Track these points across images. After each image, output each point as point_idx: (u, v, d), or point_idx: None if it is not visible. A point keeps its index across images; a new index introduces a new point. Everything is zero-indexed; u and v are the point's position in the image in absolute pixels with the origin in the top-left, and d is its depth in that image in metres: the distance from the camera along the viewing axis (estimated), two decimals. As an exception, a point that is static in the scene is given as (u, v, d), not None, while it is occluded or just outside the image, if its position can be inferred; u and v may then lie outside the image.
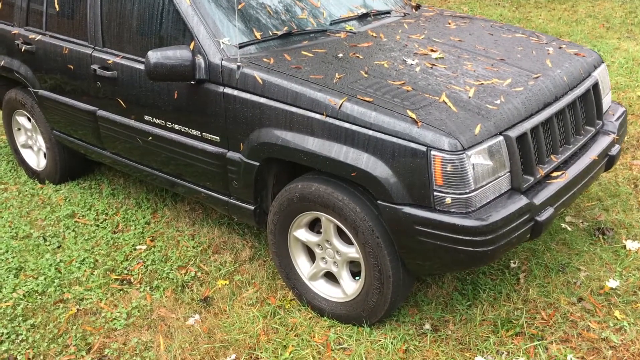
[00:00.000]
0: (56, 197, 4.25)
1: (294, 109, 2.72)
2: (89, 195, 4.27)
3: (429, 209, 2.45)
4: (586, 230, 3.53)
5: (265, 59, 2.93)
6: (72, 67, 3.70)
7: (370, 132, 2.51)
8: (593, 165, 2.92)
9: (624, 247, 3.34)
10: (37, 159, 4.57)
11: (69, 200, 4.21)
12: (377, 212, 2.62)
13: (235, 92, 2.91)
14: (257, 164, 2.92)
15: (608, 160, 3.09)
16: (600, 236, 3.45)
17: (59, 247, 3.67)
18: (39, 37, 3.91)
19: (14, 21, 4.13)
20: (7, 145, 5.19)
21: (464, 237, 2.40)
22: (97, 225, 3.88)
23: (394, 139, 2.46)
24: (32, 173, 4.58)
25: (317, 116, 2.65)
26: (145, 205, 4.09)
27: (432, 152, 2.38)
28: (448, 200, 2.41)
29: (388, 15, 3.61)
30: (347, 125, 2.57)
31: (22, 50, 4.00)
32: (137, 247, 3.62)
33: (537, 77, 2.84)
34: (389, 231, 2.59)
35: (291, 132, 2.74)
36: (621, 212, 3.67)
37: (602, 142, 3.05)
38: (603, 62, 3.28)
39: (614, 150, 3.11)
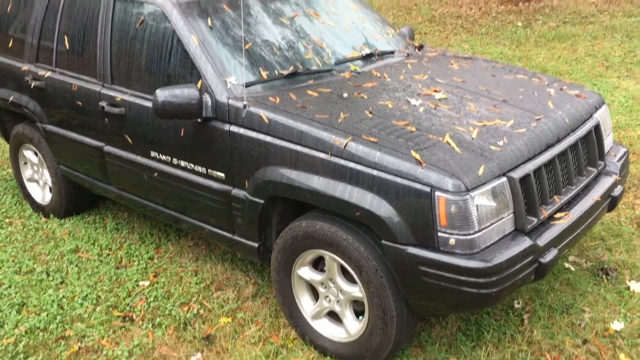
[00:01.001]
0: (60, 232, 4.26)
1: (299, 148, 2.75)
2: (93, 229, 4.28)
3: (433, 249, 2.46)
4: (589, 270, 3.53)
5: (271, 98, 2.97)
6: (80, 104, 3.75)
7: (375, 172, 2.53)
8: (596, 206, 2.93)
9: (628, 288, 3.33)
10: (42, 193, 4.59)
11: (73, 234, 4.22)
12: (381, 252, 2.62)
13: (242, 130, 2.95)
14: (262, 201, 2.94)
15: (611, 201, 3.10)
16: (604, 276, 3.44)
17: (62, 282, 3.67)
18: (48, 73, 3.97)
19: (24, 57, 4.19)
20: (12, 179, 5.22)
21: (468, 279, 2.40)
22: (101, 261, 3.88)
23: (399, 179, 2.48)
24: (37, 207, 4.60)
25: (322, 155, 2.68)
26: (148, 240, 4.09)
27: (436, 193, 2.40)
28: (452, 241, 2.42)
29: (392, 55, 3.67)
30: (352, 164, 2.59)
31: (32, 86, 4.06)
32: (140, 283, 3.61)
33: (540, 119, 2.87)
34: (392, 271, 2.59)
35: (296, 171, 2.77)
36: (624, 252, 3.67)
37: (605, 183, 3.07)
38: (604, 104, 3.32)
39: (617, 191, 3.12)
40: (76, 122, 3.88)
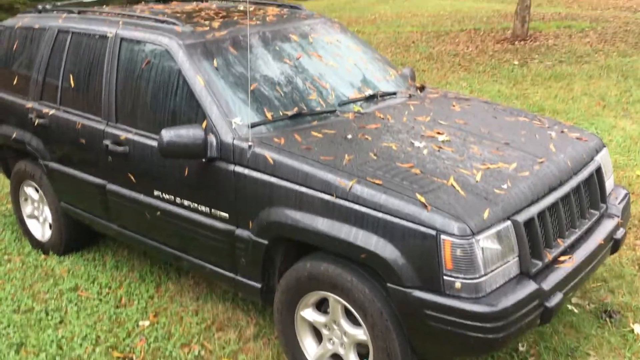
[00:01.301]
0: (60, 269, 4.23)
1: (304, 189, 2.76)
2: (93, 267, 4.26)
3: (438, 293, 2.45)
4: (593, 312, 3.51)
5: (276, 139, 2.99)
6: (84, 142, 3.77)
7: (380, 215, 2.54)
8: (599, 249, 2.94)
9: (632, 331, 3.31)
10: (42, 230, 4.57)
11: (73, 272, 4.19)
12: (386, 294, 2.61)
13: (246, 171, 2.96)
14: (266, 242, 2.94)
15: (614, 244, 3.11)
16: (607, 319, 3.42)
17: (61, 321, 3.63)
18: (52, 111, 4.00)
19: (29, 95, 4.23)
20: (11, 215, 5.20)
21: (474, 323, 2.39)
22: (100, 299, 3.84)
23: (404, 222, 2.48)
24: (36, 244, 4.58)
25: (327, 197, 2.69)
26: (149, 278, 4.07)
27: (442, 236, 2.40)
28: (458, 284, 2.41)
29: (394, 96, 3.72)
30: (357, 206, 2.60)
31: (36, 123, 4.08)
32: (140, 323, 3.58)
33: (542, 162, 2.90)
34: (398, 314, 2.58)
35: (301, 212, 2.77)
36: (627, 294, 3.65)
37: (607, 226, 3.08)
38: (605, 147, 3.35)
39: (619, 233, 3.13)
40: (79, 160, 3.89)
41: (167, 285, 4.00)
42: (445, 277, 2.43)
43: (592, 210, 3.09)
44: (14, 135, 4.33)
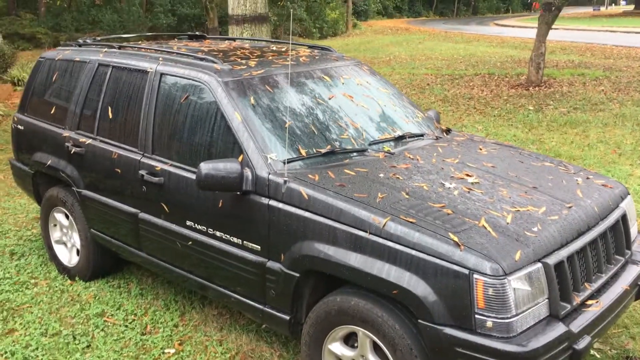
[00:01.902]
0: (86, 295, 4.31)
1: (337, 225, 2.84)
2: (118, 294, 4.33)
3: (470, 331, 2.50)
4: (614, 358, 3.53)
5: (310, 175, 3.09)
6: (119, 171, 3.88)
7: (414, 252, 2.61)
8: (625, 294, 2.99)
9: (655, 377, 3.33)
10: (69, 255, 4.66)
11: (99, 298, 4.26)
12: (416, 331, 2.67)
13: (280, 205, 3.05)
14: (298, 275, 3.01)
15: (638, 290, 3.16)
16: (630, 365, 3.45)
17: (88, 346, 3.69)
18: (89, 141, 4.13)
19: (66, 124, 4.37)
20: (37, 240, 5.31)
21: (505, 362, 2.43)
22: (126, 326, 3.90)
23: (437, 260, 2.56)
24: (63, 269, 4.66)
25: (361, 233, 2.77)
26: (173, 307, 4.13)
27: (475, 276, 2.47)
28: (489, 323, 2.47)
29: (422, 138, 3.82)
30: (390, 243, 2.68)
31: (72, 152, 4.21)
32: (166, 351, 3.63)
33: (571, 207, 2.98)
34: (427, 351, 2.63)
35: (334, 247, 2.85)
36: (648, 341, 3.68)
37: (632, 272, 3.13)
38: (629, 194, 3.43)
39: (644, 279, 3.18)
40: (113, 188, 4.00)
41: (191, 314, 4.05)
42: (477, 316, 2.48)
43: (617, 256, 3.15)
44: (49, 163, 4.46)
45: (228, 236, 3.32)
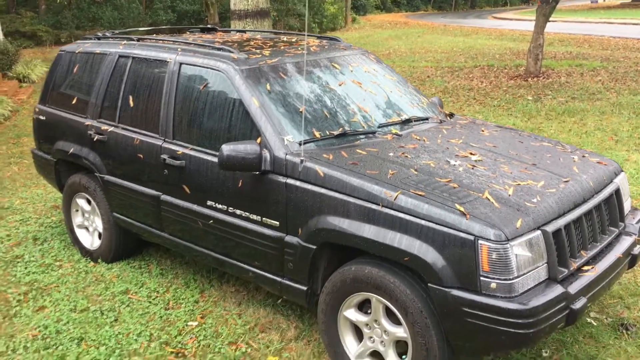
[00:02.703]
0: (109, 275, 4.54)
1: (352, 199, 3.07)
2: (139, 274, 4.56)
3: (475, 292, 2.74)
4: (610, 325, 3.76)
5: (325, 155, 3.32)
6: (141, 156, 4.11)
7: (423, 222, 2.84)
8: (618, 262, 3.22)
9: (648, 342, 3.56)
10: (91, 239, 4.89)
11: (122, 278, 4.50)
12: (426, 295, 2.90)
13: (298, 183, 3.28)
14: (314, 247, 3.24)
15: (631, 259, 3.39)
16: (624, 331, 3.68)
17: (115, 320, 3.92)
18: (111, 128, 4.36)
19: (87, 114, 4.59)
20: (57, 226, 5.54)
21: (508, 319, 2.66)
22: (150, 302, 4.14)
23: (445, 229, 2.79)
24: (85, 252, 4.89)
25: (374, 206, 3.00)
26: (193, 285, 4.36)
27: (480, 242, 2.70)
28: (493, 285, 2.70)
29: (427, 121, 4.05)
30: (401, 215, 2.91)
31: (95, 139, 4.44)
32: (189, 323, 3.86)
33: (567, 181, 3.21)
34: (437, 312, 2.86)
35: (348, 220, 3.08)
36: (642, 310, 3.92)
37: (625, 242, 3.36)
38: (622, 171, 3.66)
39: (636, 250, 3.41)
40: (135, 173, 4.23)
41: (210, 291, 4.29)
42: (482, 278, 2.72)
43: (611, 228, 3.38)
44: (72, 150, 4.68)
45: (247, 214, 3.54)
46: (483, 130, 3.95)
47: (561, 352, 3.48)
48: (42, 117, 5.06)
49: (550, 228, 2.86)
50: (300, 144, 3.38)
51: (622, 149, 7.52)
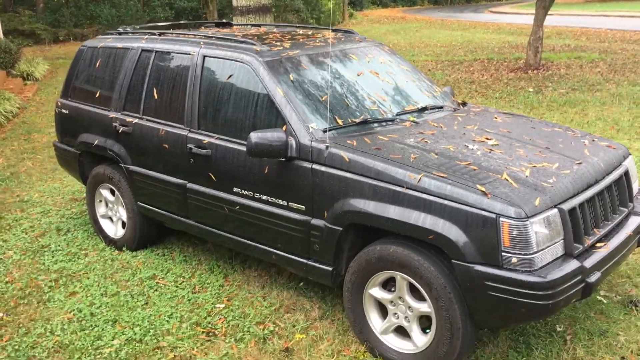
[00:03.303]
0: (135, 262, 4.71)
1: (377, 183, 3.24)
2: (164, 261, 4.73)
3: (497, 267, 2.91)
4: (620, 302, 3.95)
5: (349, 141, 3.49)
6: (167, 146, 4.27)
7: (446, 202, 3.01)
8: (629, 239, 3.40)
9: (656, 316, 3.75)
10: (115, 229, 5.05)
11: (147, 264, 4.66)
12: (448, 271, 3.08)
13: (323, 168, 3.44)
14: (341, 229, 3.41)
15: (640, 237, 3.57)
16: (633, 307, 3.86)
17: (146, 303, 4.09)
18: (136, 120, 4.51)
19: (111, 107, 4.75)
20: (79, 217, 5.70)
21: (528, 291, 2.84)
22: (177, 287, 4.31)
23: (467, 208, 2.96)
24: (109, 241, 5.05)
25: (398, 188, 3.17)
26: (217, 270, 4.53)
27: (501, 219, 2.87)
28: (514, 260, 2.88)
29: (441, 109, 4.22)
30: (425, 196, 3.08)
31: (120, 131, 4.59)
32: (217, 306, 4.03)
33: (580, 163, 3.38)
34: (460, 287, 3.04)
35: (374, 202, 3.25)
36: (649, 287, 4.10)
37: (635, 221, 3.54)
38: (630, 154, 3.84)
39: (645, 228, 3.60)
40: (160, 162, 4.38)
41: (234, 276, 4.46)
42: (503, 254, 2.89)
43: (621, 208, 3.56)
44: (96, 142, 4.84)
45: (274, 199, 3.71)
46: (496, 118, 4.12)
47: (574, 326, 3.66)
48: (64, 111, 5.21)
49: (566, 206, 3.04)
50: (324, 131, 3.54)
51: (624, 138, 7.70)
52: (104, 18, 25.14)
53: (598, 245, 3.20)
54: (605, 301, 3.95)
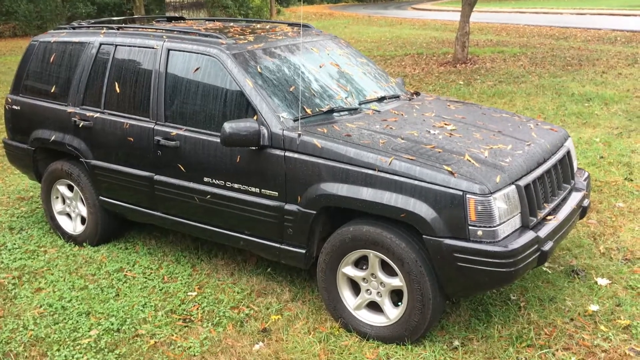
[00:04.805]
0: (99, 256, 4.71)
1: (349, 167, 3.44)
2: (128, 254, 4.75)
3: (464, 239, 3.18)
4: (563, 272, 4.33)
5: (319, 129, 3.67)
6: (132, 139, 4.30)
7: (416, 182, 3.26)
8: (573, 212, 3.76)
9: (596, 283, 4.14)
10: (73, 225, 5.02)
11: (111, 258, 4.68)
12: (419, 246, 3.32)
13: (296, 155, 3.61)
14: (315, 212, 3.59)
15: (582, 210, 3.95)
16: (575, 276, 4.25)
17: (117, 295, 4.12)
18: (97, 114, 4.51)
19: (68, 101, 4.71)
20: (31, 215, 5.60)
21: (493, 260, 3.12)
22: (146, 278, 4.36)
23: (436, 187, 3.21)
24: (68, 237, 5.01)
25: (370, 171, 3.38)
26: (183, 261, 4.61)
27: (467, 196, 3.14)
28: (480, 232, 3.15)
29: (398, 98, 4.48)
30: (396, 177, 3.31)
31: (80, 125, 4.58)
32: (189, 294, 4.12)
33: (530, 144, 3.71)
34: (431, 260, 3.29)
35: (347, 185, 3.45)
36: (587, 258, 4.52)
37: (577, 196, 3.92)
38: (570, 137, 4.22)
39: (586, 202, 3.98)
40: (125, 156, 4.41)
41: (201, 265, 4.55)
42: (470, 227, 3.16)
43: (564, 184, 3.92)
44: (53, 138, 4.79)
45: (246, 187, 3.84)
46: (449, 105, 4.42)
47: (526, 295, 4.00)
48: (15, 107, 5.11)
49: (522, 183, 3.35)
50: (295, 120, 3.71)
51: (551, 126, 8.27)
52: (21, 14, 24.14)
53: (548, 217, 3.54)
54: (550, 272, 4.33)
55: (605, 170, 6.33)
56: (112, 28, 4.73)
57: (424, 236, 3.26)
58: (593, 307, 3.82)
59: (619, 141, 7.34)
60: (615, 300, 3.91)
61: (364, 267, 3.58)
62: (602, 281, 4.15)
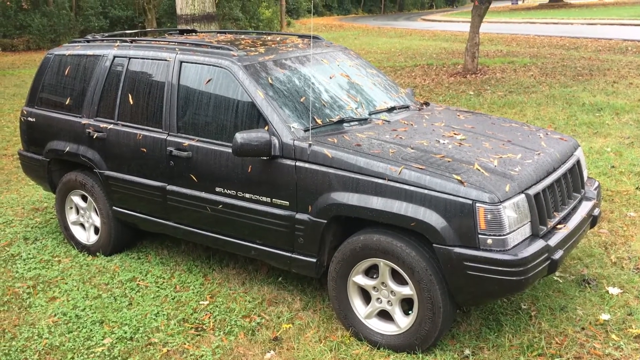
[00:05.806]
0: (112, 266, 4.76)
1: (359, 176, 3.48)
2: (140, 264, 4.80)
3: (474, 248, 3.20)
4: (574, 281, 4.33)
5: (329, 139, 3.71)
6: (145, 150, 4.37)
7: (426, 191, 3.28)
8: (584, 221, 3.77)
9: (607, 292, 4.13)
10: (87, 235, 5.08)
11: (124, 268, 4.73)
12: (429, 255, 3.34)
13: (307, 165, 3.65)
14: (325, 221, 3.62)
15: (592, 220, 3.95)
16: (587, 285, 4.25)
17: (130, 304, 4.17)
18: (110, 126, 4.58)
19: (83, 113, 4.79)
20: (45, 226, 5.67)
21: (503, 269, 3.14)
22: (159, 287, 4.40)
23: (445, 196, 3.23)
24: (81, 247, 5.07)
25: (380, 181, 3.41)
26: (195, 270, 4.65)
27: (477, 205, 3.16)
28: (489, 241, 3.17)
29: (408, 108, 4.51)
30: (406, 186, 3.34)
31: (94, 137, 4.65)
32: (201, 303, 4.16)
33: (539, 154, 3.73)
34: (442, 268, 3.30)
35: (357, 194, 3.48)
36: (598, 267, 4.51)
37: (587, 205, 3.92)
38: (579, 146, 4.23)
39: (596, 211, 3.99)
40: (138, 166, 4.47)
41: (213, 275, 4.59)
42: (479, 236, 3.18)
43: (575, 193, 3.93)
44: (67, 149, 4.86)
45: (257, 196, 3.88)
46: (459, 115, 4.45)
47: (537, 304, 4.00)
48: (31, 119, 5.20)
49: (531, 192, 3.36)
50: (306, 130, 3.75)
51: (561, 135, 8.26)
52: (35, 28, 24.47)
53: (559, 226, 3.55)
54: (561, 281, 4.32)
55: (616, 180, 6.31)
56: (126, 41, 4.82)
57: (434, 245, 3.28)
58: (604, 316, 3.81)
59: (630, 151, 7.32)
60: (627, 309, 3.90)
61: (375, 276, 3.60)
62: (614, 290, 4.14)
